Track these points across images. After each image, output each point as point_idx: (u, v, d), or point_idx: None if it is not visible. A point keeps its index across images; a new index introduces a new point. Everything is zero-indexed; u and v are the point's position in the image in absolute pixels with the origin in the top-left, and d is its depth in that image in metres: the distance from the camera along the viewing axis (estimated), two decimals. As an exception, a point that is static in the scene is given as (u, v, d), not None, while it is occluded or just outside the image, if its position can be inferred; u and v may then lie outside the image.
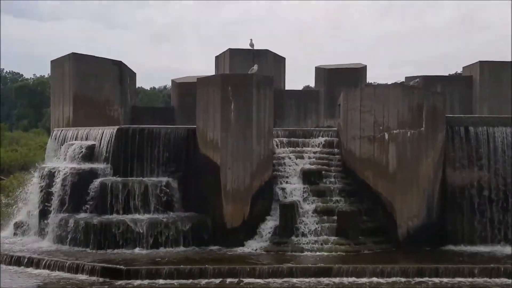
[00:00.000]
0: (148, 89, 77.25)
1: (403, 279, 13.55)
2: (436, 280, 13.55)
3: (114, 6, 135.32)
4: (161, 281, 13.21)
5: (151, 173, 17.42)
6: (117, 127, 18.11)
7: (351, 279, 13.49)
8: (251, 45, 26.43)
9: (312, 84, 30.66)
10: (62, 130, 19.96)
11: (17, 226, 18.10)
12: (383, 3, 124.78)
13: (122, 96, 23.97)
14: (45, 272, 14.11)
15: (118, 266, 13.69)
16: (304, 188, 17.20)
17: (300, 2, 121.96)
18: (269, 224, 16.54)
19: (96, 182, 16.90)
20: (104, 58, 23.60)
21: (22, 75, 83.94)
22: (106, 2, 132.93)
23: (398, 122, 16.57)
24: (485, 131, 17.17)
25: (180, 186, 17.33)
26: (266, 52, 27.13)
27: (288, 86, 29.26)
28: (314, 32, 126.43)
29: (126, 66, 24.73)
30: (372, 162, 16.95)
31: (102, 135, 18.04)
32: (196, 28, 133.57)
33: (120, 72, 23.84)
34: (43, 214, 17.28)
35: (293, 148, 18.71)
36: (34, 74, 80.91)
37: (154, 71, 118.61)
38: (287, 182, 17.50)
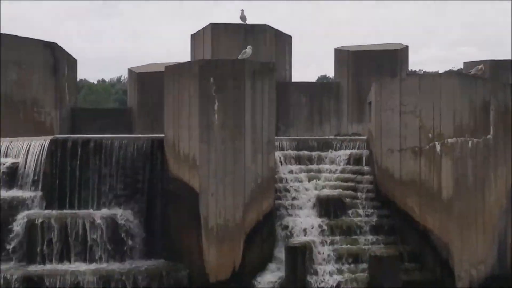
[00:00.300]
0: (95, 82, 77.41)
1: None
2: None
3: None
4: None
5: (100, 203, 17.32)
6: (50, 137, 17.97)
7: None
8: (243, 17, 26.42)
9: (330, 73, 30.74)
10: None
11: None
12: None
13: (56, 93, 23.94)
14: None
15: None
16: (320, 223, 17.13)
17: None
18: (271, 277, 16.39)
19: (21, 218, 16.72)
20: (31, 38, 23.56)
21: None
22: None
23: (454, 127, 16.54)
24: None
25: (141, 221, 17.22)
26: (264, 28, 27.15)
27: (297, 77, 29.50)
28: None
29: (63, 49, 24.70)
30: (418, 185, 16.87)
31: (29, 149, 17.88)
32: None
33: (54, 59, 23.83)
34: None
35: (305, 166, 18.70)
36: None
37: (102, 57, 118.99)
38: (296, 215, 17.47)
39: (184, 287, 16.39)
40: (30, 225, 16.50)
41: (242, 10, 26.38)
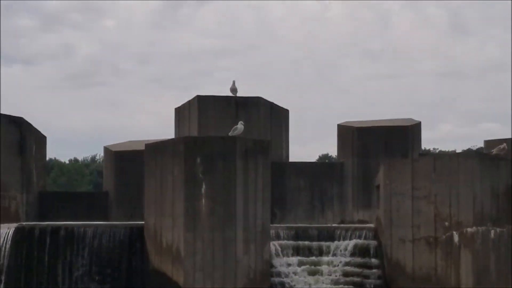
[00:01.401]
0: (67, 162, 77.61)
1: None
2: None
3: (9, 28, 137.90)
4: None
5: (71, 302, 17.10)
6: (15, 225, 17.93)
7: None
8: (233, 89, 26.59)
9: (333, 152, 30.83)
10: None
11: None
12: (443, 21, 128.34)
13: (23, 174, 23.91)
14: None
15: None
16: (322, 325, 16.98)
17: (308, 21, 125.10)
18: None
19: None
20: (-6, 113, 23.68)
21: None
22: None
23: (474, 215, 16.51)
24: None
25: (117, 322, 17.03)
26: (258, 101, 27.28)
27: (295, 156, 29.52)
28: (334, 67, 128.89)
29: (30, 125, 24.78)
30: (434, 281, 16.78)
31: (-10, 238, 17.74)
32: (143, 62, 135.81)
33: (20, 136, 23.86)
34: None
35: (304, 258, 18.52)
36: None
37: (75, 133, 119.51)
38: (294, 315, 17.25)
39: None
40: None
41: (234, 82, 26.54)
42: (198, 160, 16.59)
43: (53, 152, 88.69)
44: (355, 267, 18.34)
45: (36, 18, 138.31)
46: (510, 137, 26.19)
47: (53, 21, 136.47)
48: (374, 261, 18.37)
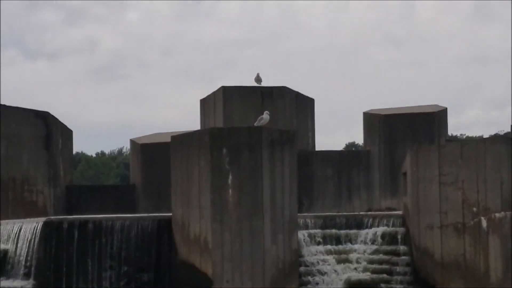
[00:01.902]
0: (93, 155, 77.91)
1: None
2: None
3: (34, 23, 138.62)
4: None
5: (100, 294, 17.19)
6: (44, 219, 18.00)
7: None
8: (258, 80, 26.63)
9: (359, 140, 30.75)
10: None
11: None
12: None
13: (50, 169, 24.05)
14: None
15: None
16: (351, 312, 17.00)
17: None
18: None
19: (11, 311, 16.66)
20: (20, 107, 23.80)
21: None
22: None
23: (502, 200, 16.43)
24: None
25: (147, 314, 17.10)
26: (283, 91, 27.31)
27: (321, 145, 29.46)
28: (359, 54, 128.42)
29: (56, 119, 24.93)
30: (463, 267, 16.75)
31: (19, 233, 17.92)
32: (167, 54, 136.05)
33: (47, 130, 24.00)
34: None
35: (332, 247, 18.63)
36: None
37: (101, 127, 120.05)
38: (323, 303, 17.30)
39: None
40: (22, 320, 16.42)
41: (258, 73, 26.53)
42: (224, 151, 16.60)
43: (79, 146, 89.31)
44: (383, 254, 18.40)
45: (60, 13, 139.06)
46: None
47: (77, 15, 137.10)
48: (402, 248, 18.39)
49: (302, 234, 18.31)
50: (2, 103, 23.17)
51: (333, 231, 18.99)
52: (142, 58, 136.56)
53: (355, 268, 18.06)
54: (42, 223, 17.69)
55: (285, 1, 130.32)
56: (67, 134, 26.34)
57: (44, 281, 17.26)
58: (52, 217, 18.84)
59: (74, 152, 29.89)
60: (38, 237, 17.47)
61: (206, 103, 28.28)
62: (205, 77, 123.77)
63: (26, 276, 17.46)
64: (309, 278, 17.73)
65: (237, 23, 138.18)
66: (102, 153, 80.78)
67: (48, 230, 17.48)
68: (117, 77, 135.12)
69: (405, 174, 19.17)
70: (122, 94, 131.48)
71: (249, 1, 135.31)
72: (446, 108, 28.02)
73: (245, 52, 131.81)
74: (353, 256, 18.44)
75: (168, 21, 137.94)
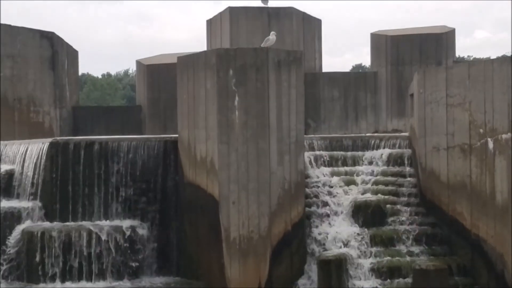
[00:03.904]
0: (99, 76, 77.75)
1: None
2: None
3: None
4: None
5: (106, 214, 17.39)
6: (50, 140, 18.05)
7: None
8: (265, 0, 26.48)
9: (366, 62, 30.61)
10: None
11: None
12: None
13: (56, 89, 24.05)
14: None
15: None
16: (357, 232, 17.17)
17: None
18: (302, 294, 16.46)
19: (18, 231, 16.82)
20: (25, 28, 23.69)
21: None
22: None
23: (510, 121, 16.38)
24: None
25: (153, 234, 17.30)
26: (290, 11, 27.17)
27: (328, 67, 29.38)
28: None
29: (62, 40, 24.83)
30: (468, 188, 16.80)
31: (25, 154, 18.03)
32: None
33: (52, 51, 23.93)
34: None
35: (338, 168, 18.73)
36: None
37: (107, 47, 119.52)
38: (329, 224, 17.49)
39: (202, 308, 16.47)
40: (28, 240, 16.55)
41: (264, -6, 26.38)
42: (231, 72, 16.55)
43: (85, 67, 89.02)
44: (389, 176, 18.53)
45: None
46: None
47: None
48: (408, 169, 18.53)
49: (308, 156, 18.39)
50: (8, 23, 23.06)
51: (340, 152, 19.09)
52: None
53: (361, 190, 18.19)
54: (48, 143, 17.75)
55: None
56: (73, 55, 26.25)
57: (50, 202, 17.41)
58: (58, 138, 18.83)
59: (80, 73, 29.82)
60: (44, 158, 17.58)
61: (212, 24, 28.17)
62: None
63: (33, 197, 17.63)
64: (315, 199, 17.88)
65: None
66: (108, 75, 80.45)
67: (54, 151, 17.53)
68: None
69: (412, 95, 19.14)
70: (128, 15, 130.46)
71: None
72: (454, 29, 27.86)
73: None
74: (359, 177, 18.57)
75: None
